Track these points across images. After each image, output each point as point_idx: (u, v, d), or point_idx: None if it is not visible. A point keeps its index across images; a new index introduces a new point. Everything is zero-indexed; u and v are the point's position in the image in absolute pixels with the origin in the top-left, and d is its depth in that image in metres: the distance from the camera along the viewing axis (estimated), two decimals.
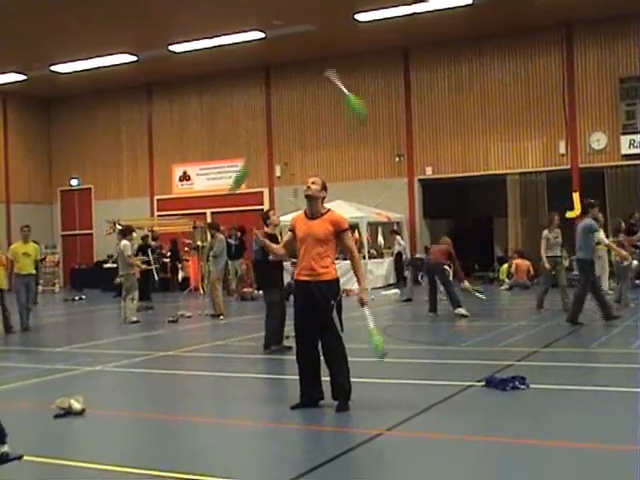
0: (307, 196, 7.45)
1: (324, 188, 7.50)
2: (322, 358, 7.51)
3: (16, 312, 15.61)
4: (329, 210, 7.49)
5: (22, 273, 15.68)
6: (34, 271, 16.10)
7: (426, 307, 16.31)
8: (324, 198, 7.51)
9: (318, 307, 7.26)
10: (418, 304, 18.60)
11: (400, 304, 19.22)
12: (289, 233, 7.70)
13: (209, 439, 6.76)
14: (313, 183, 7.46)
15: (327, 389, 7.42)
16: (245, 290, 22.40)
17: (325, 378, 7.46)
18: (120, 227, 23.58)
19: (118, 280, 18.05)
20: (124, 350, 12.55)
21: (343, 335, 7.40)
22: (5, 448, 5.52)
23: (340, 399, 7.28)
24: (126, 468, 5.70)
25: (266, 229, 11.46)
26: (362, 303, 7.46)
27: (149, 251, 21.41)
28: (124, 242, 16.91)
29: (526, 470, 5.42)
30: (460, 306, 15.66)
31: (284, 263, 13.67)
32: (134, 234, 18.99)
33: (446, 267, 16.62)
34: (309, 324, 7.40)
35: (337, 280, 7.45)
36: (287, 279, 13.84)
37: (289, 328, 8.21)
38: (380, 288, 23.86)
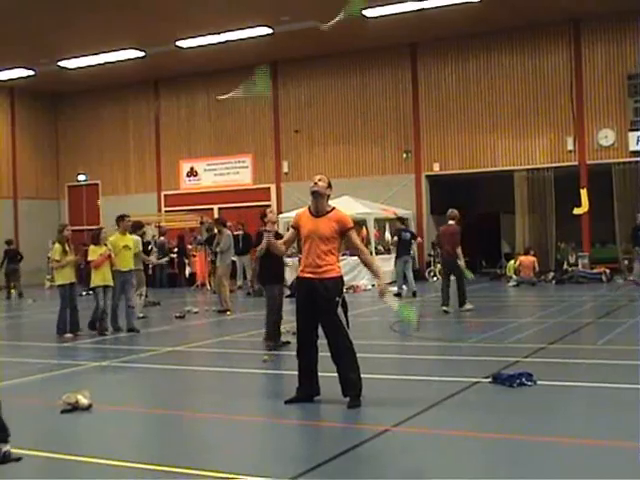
0: (313, 192, 7.43)
1: (329, 186, 7.51)
2: (321, 355, 7.52)
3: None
4: (334, 208, 7.50)
5: (122, 270, 14.09)
6: (133, 266, 14.61)
7: (425, 303, 16.33)
8: (329, 196, 7.52)
9: (323, 304, 7.27)
10: (424, 300, 18.57)
11: (407, 299, 19.16)
12: (291, 230, 7.70)
13: (216, 434, 6.77)
14: (320, 180, 7.47)
15: (327, 385, 7.42)
16: (256, 285, 22.28)
17: (325, 374, 7.46)
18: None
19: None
20: (131, 345, 12.57)
21: (350, 331, 7.41)
22: (7, 447, 5.49)
23: (351, 396, 7.28)
24: (132, 463, 5.71)
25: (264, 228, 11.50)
26: (382, 294, 7.53)
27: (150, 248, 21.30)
28: (135, 237, 16.82)
29: (533, 466, 5.41)
30: (465, 303, 15.79)
31: (287, 259, 13.54)
32: (144, 229, 18.86)
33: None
34: (311, 321, 7.42)
35: (341, 277, 7.48)
36: (294, 276, 13.85)
37: (292, 324, 8.20)
38: (387, 284, 23.82)
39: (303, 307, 7.47)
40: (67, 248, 13.71)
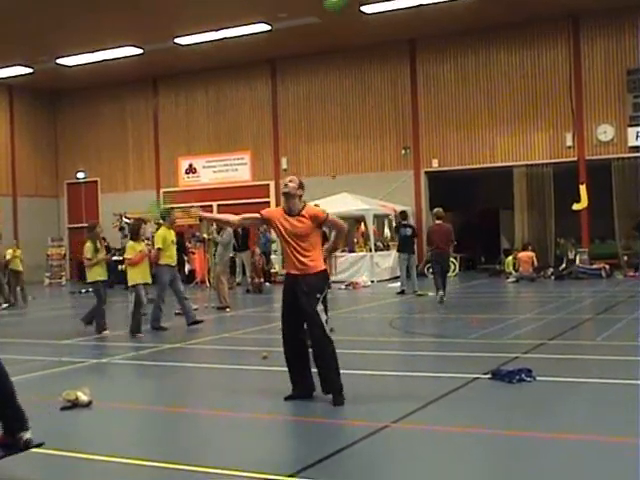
0: (285, 193, 7.61)
1: (301, 187, 7.65)
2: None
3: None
4: (305, 205, 7.63)
5: (171, 264, 13.77)
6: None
7: (424, 299, 16.50)
8: (301, 196, 7.64)
9: (303, 299, 7.33)
10: (423, 297, 18.55)
11: (407, 296, 19.16)
12: (257, 215, 7.78)
13: (214, 431, 6.77)
14: (290, 181, 7.63)
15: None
16: (256, 281, 22.27)
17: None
18: (127, 220, 23.56)
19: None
20: (131, 342, 12.57)
21: (335, 328, 7.41)
22: (28, 435, 5.44)
23: (333, 393, 7.32)
24: (131, 460, 5.71)
25: None
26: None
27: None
28: None
29: (532, 462, 5.41)
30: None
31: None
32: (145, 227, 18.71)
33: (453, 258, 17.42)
34: (297, 318, 7.49)
35: (324, 272, 7.56)
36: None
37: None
38: (386, 280, 23.84)
39: (287, 305, 7.56)
40: (99, 246, 13.49)
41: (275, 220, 7.64)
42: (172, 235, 13.96)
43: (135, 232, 13.53)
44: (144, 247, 13.48)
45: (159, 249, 13.58)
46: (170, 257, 13.73)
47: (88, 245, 13.51)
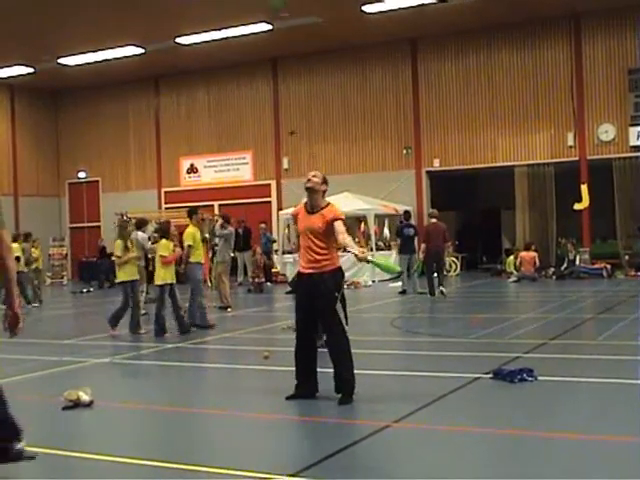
0: (308, 188, 7.46)
1: (325, 182, 7.50)
2: (323, 351, 7.54)
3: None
4: (329, 204, 7.49)
5: (202, 261, 13.79)
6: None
7: (425, 298, 16.72)
8: (325, 192, 7.52)
9: (322, 299, 7.27)
10: (424, 296, 18.54)
11: (408, 296, 19.15)
12: (296, 227, 7.74)
13: (216, 431, 6.78)
14: (314, 176, 7.49)
15: (328, 381, 7.42)
16: (257, 281, 22.27)
17: (327, 370, 7.47)
18: (128, 220, 23.55)
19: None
20: (132, 342, 12.58)
21: (348, 328, 7.40)
22: (19, 445, 5.28)
23: (343, 393, 7.28)
24: (133, 459, 5.72)
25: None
26: (360, 258, 7.26)
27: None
28: (141, 234, 16.61)
29: (533, 462, 5.41)
30: (443, 286, 17.93)
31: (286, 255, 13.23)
32: (149, 226, 18.70)
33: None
34: (310, 318, 7.44)
35: (340, 269, 7.48)
36: (294, 272, 13.85)
37: (292, 321, 8.17)
38: (387, 280, 23.83)
39: (302, 304, 7.49)
40: (129, 244, 13.39)
41: (297, 217, 7.59)
42: (199, 233, 13.99)
43: (166, 231, 13.42)
44: (176, 247, 13.45)
45: (190, 246, 13.48)
46: (200, 255, 13.72)
47: (118, 242, 13.42)
